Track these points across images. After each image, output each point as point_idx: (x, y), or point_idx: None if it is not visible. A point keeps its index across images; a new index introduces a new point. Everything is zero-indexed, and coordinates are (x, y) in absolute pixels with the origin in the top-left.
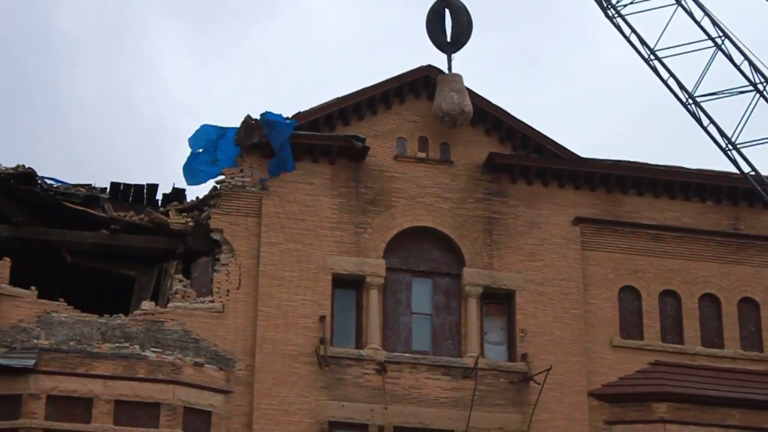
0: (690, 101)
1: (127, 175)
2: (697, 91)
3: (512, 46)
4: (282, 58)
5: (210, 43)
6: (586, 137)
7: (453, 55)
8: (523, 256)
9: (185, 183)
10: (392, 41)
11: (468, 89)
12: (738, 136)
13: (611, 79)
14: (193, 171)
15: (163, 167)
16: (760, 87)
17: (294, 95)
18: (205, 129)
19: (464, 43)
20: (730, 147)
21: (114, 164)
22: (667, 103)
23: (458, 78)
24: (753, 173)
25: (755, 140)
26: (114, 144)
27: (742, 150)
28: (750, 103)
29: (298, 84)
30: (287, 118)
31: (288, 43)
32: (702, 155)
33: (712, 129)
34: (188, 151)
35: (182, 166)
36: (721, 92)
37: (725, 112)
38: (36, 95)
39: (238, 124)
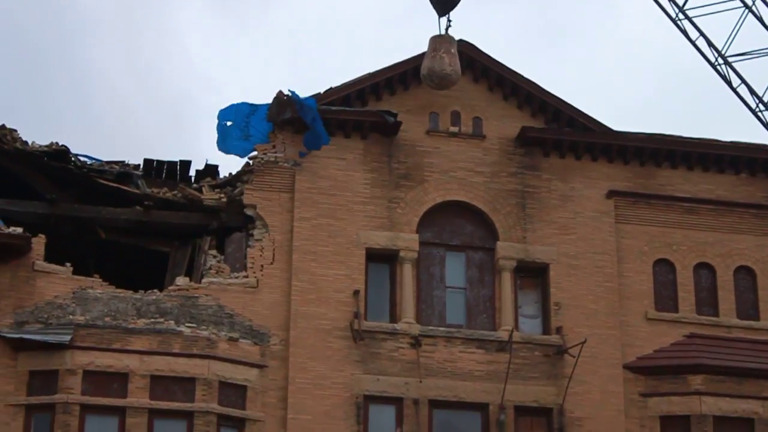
0: (719, 61)
1: (152, 149)
2: (728, 51)
3: (537, 16)
4: (306, 31)
5: (233, 16)
6: (613, 108)
7: (447, 18)
8: (556, 229)
9: (219, 160)
10: (420, 12)
11: (498, 62)
12: None
13: (638, 48)
14: (226, 147)
15: (189, 141)
16: None
17: (319, 68)
18: (237, 104)
19: (455, 4)
20: (762, 108)
21: (139, 139)
22: (696, 74)
23: (450, 39)
24: None
25: None
26: (138, 118)
27: None
28: None
29: (322, 57)
30: (315, 95)
31: (312, 16)
32: (731, 127)
33: (742, 90)
34: (214, 124)
35: (216, 142)
36: (753, 52)
37: (755, 77)
38: (58, 71)
39: (263, 98)
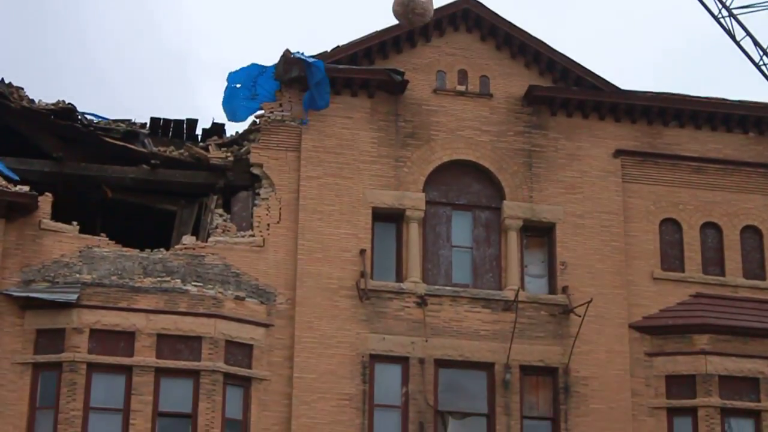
0: (723, 14)
1: (156, 105)
2: (732, 3)
3: None
4: None
5: None
6: (617, 67)
7: None
8: (563, 188)
9: (225, 119)
10: None
11: (505, 20)
12: None
13: (642, 5)
14: (233, 107)
15: (192, 97)
16: None
17: (322, 27)
18: (247, 67)
19: None
20: (763, 62)
21: (143, 95)
22: (700, 29)
23: None
24: None
25: None
26: (141, 74)
27: None
28: None
29: (325, 15)
30: (322, 53)
31: None
32: (736, 81)
33: (746, 44)
34: (219, 82)
35: (222, 102)
36: (757, 4)
37: (760, 30)
38: (60, 26)
39: (266, 57)
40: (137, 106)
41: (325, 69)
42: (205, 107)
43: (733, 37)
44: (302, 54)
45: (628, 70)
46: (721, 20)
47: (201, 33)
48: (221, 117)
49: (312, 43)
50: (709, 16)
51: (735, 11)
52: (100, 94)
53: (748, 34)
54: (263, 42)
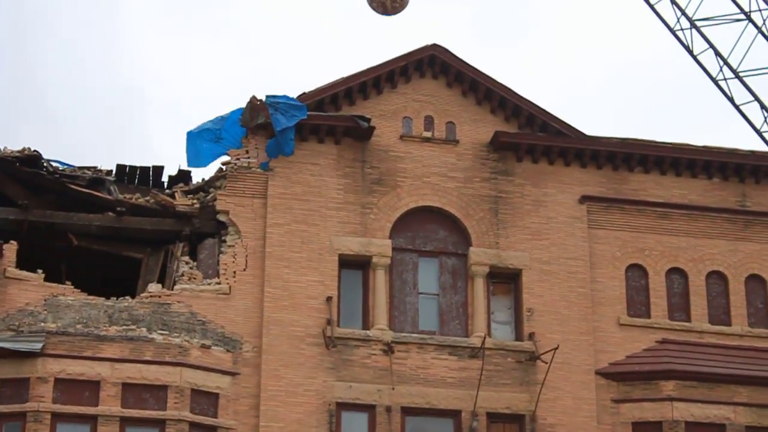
0: (682, 26)
1: (108, 148)
2: (695, 15)
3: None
4: (260, 28)
5: (184, 12)
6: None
7: None
8: (529, 235)
9: (188, 166)
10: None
11: (471, 66)
12: (739, 65)
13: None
14: (197, 152)
15: (145, 138)
16: (754, 16)
17: (275, 68)
18: (203, 131)
19: None
20: (723, 77)
21: (95, 137)
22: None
23: None
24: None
25: (754, 69)
26: (92, 115)
27: (745, 78)
28: (741, 33)
29: (279, 57)
30: (296, 99)
31: (266, 14)
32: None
33: (703, 58)
34: (177, 125)
35: (186, 147)
36: (716, 17)
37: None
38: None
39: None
40: (89, 149)
41: (294, 114)
42: (162, 151)
43: (689, 49)
44: (272, 98)
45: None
46: (677, 33)
47: (151, 74)
48: (185, 163)
49: (275, 88)
50: (667, 30)
51: (698, 23)
52: (50, 137)
53: (711, 45)
54: (218, 85)
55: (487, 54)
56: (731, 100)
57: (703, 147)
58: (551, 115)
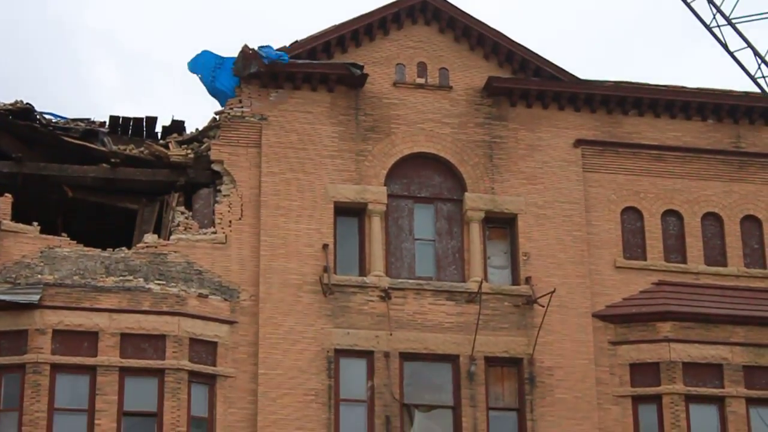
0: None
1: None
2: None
3: None
4: None
5: None
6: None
7: None
8: (524, 179)
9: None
10: None
11: (464, 12)
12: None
13: None
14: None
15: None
16: None
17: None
18: (204, 55)
19: None
20: (716, 23)
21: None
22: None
23: None
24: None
25: (747, 16)
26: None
27: (737, 25)
28: None
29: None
30: (282, 48)
31: None
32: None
33: (697, 5)
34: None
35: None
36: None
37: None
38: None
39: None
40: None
41: (285, 63)
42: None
43: (725, 46)
44: (268, 49)
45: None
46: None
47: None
48: (178, 113)
49: (269, 37)
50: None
51: (734, 20)
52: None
53: (745, 40)
54: (218, 35)
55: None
56: (725, 46)
57: (697, 89)
58: (544, 59)
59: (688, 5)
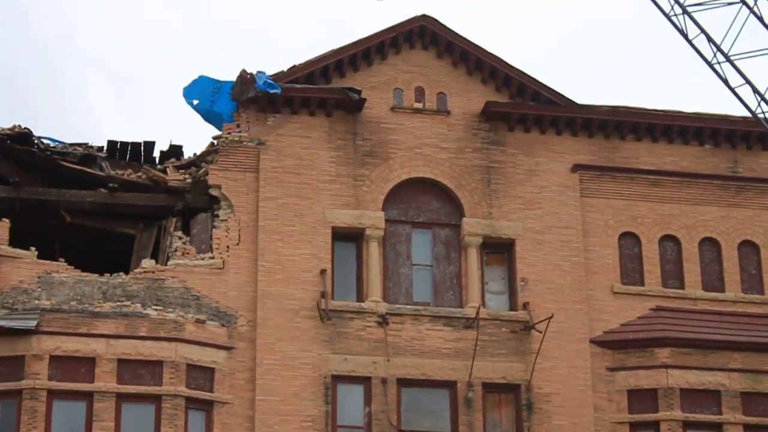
0: (675, 12)
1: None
2: (686, 1)
3: None
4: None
5: None
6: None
7: None
8: (522, 204)
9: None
10: None
11: (461, 37)
12: (731, 48)
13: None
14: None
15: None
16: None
17: (265, 39)
18: (201, 81)
19: None
20: (717, 60)
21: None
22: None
23: None
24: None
25: (746, 53)
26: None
27: (736, 62)
28: (735, 17)
29: (268, 28)
30: (279, 73)
31: None
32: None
33: (698, 42)
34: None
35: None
36: (709, 1)
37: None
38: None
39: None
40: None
41: (282, 89)
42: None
43: (685, 35)
44: (263, 75)
45: (584, 79)
46: (672, 18)
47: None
48: (176, 138)
49: (264, 59)
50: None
51: (689, 8)
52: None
53: (703, 31)
54: (218, 59)
55: (480, 27)
56: (726, 82)
57: (695, 114)
58: (542, 84)
59: (690, 42)
